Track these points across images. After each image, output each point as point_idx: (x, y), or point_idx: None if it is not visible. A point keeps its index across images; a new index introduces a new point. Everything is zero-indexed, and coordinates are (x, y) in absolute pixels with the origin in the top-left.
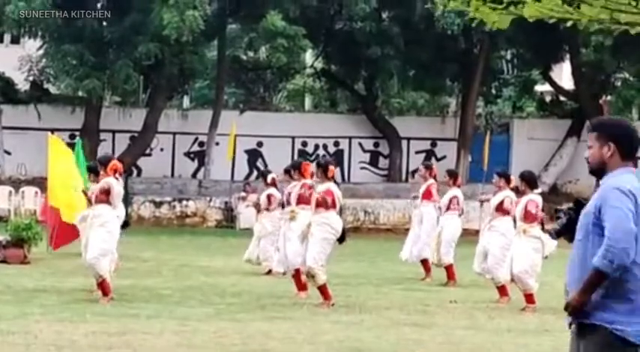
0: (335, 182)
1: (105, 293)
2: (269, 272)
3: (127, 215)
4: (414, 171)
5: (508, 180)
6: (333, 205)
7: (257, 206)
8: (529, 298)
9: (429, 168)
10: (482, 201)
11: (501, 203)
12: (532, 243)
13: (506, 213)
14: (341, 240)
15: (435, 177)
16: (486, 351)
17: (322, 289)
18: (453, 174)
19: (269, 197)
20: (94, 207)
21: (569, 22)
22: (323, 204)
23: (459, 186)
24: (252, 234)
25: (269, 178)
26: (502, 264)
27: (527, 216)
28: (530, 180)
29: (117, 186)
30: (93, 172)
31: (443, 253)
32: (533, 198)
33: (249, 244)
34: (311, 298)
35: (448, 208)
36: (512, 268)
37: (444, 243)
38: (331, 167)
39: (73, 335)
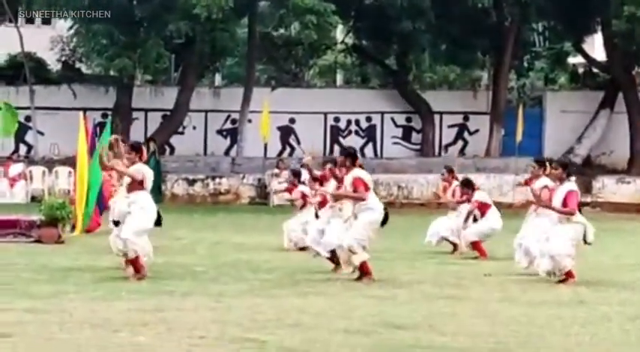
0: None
1: (138, 269)
2: (303, 248)
3: (161, 193)
4: (447, 146)
5: (545, 167)
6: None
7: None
8: (568, 273)
9: (451, 171)
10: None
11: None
12: (575, 229)
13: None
14: (383, 223)
15: (457, 178)
16: (520, 323)
17: (364, 265)
18: (467, 184)
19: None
20: (129, 195)
21: None
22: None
23: (476, 189)
24: (286, 210)
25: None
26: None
27: (565, 205)
28: (567, 168)
29: (149, 172)
30: (134, 150)
31: (466, 234)
32: (573, 189)
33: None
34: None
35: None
36: (550, 250)
37: (473, 228)
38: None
39: (108, 312)
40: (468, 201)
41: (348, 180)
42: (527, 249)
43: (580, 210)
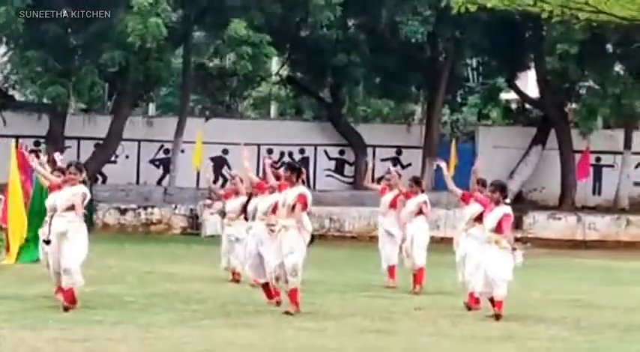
0: (304, 183)
1: (74, 301)
2: (236, 280)
3: (92, 222)
4: (380, 179)
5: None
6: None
7: (222, 213)
8: (499, 305)
9: (419, 183)
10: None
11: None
12: (504, 253)
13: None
14: (310, 242)
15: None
16: None
17: (296, 293)
18: (418, 181)
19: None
20: (64, 214)
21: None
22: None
23: (423, 191)
24: (217, 241)
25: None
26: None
27: (499, 229)
28: (505, 190)
29: (88, 194)
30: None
31: (416, 256)
32: (509, 213)
33: (218, 252)
34: (276, 304)
35: (418, 213)
36: (489, 274)
37: (417, 247)
38: (303, 170)
39: (36, 341)
40: (407, 196)
41: (292, 194)
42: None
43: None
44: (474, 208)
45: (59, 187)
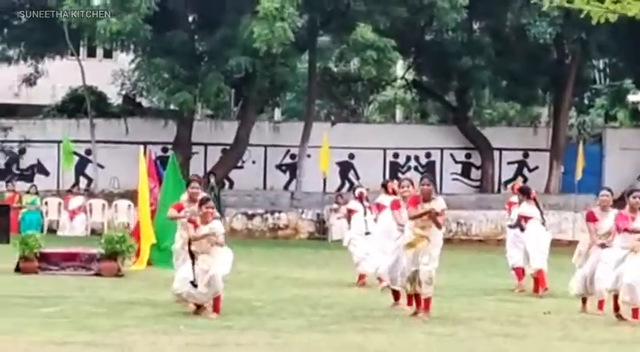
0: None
1: (219, 309)
2: (361, 279)
3: None
4: (507, 182)
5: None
6: None
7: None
8: (636, 313)
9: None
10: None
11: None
12: None
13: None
14: None
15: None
16: None
17: (430, 301)
18: (524, 191)
19: (349, 211)
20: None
21: None
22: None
23: (534, 199)
24: (344, 246)
25: (356, 192)
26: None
27: None
28: None
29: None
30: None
31: (531, 259)
32: None
33: (345, 257)
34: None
35: (529, 218)
36: (629, 282)
37: (531, 251)
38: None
39: (167, 347)
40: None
41: (439, 206)
42: (591, 279)
43: None
44: (608, 222)
45: (195, 223)
